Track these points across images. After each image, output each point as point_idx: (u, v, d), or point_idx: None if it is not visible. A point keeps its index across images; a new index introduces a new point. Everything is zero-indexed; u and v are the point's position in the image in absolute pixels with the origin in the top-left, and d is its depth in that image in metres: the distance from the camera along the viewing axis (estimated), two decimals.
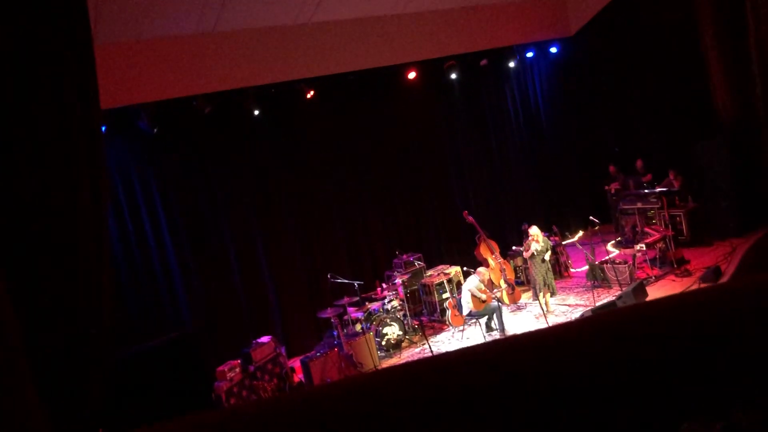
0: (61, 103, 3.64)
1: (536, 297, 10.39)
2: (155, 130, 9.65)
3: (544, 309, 10.06)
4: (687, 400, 1.33)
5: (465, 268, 10.95)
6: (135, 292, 9.85)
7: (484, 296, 9.85)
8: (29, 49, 3.46)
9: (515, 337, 1.41)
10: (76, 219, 3.72)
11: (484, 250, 11.04)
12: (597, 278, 10.83)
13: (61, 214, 3.63)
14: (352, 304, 10.20)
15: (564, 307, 10.44)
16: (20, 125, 3.44)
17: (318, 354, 9.29)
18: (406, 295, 11.02)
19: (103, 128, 7.69)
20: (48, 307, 3.54)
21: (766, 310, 1.36)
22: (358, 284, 10.28)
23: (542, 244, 10.34)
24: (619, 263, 10.65)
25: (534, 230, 10.44)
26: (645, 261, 10.96)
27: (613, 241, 13.10)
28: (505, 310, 10.38)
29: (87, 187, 3.81)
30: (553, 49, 14.57)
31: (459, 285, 11.12)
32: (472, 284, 9.94)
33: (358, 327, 10.16)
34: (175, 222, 10.30)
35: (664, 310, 1.47)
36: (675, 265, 10.75)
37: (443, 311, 10.83)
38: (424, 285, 11.32)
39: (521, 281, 11.90)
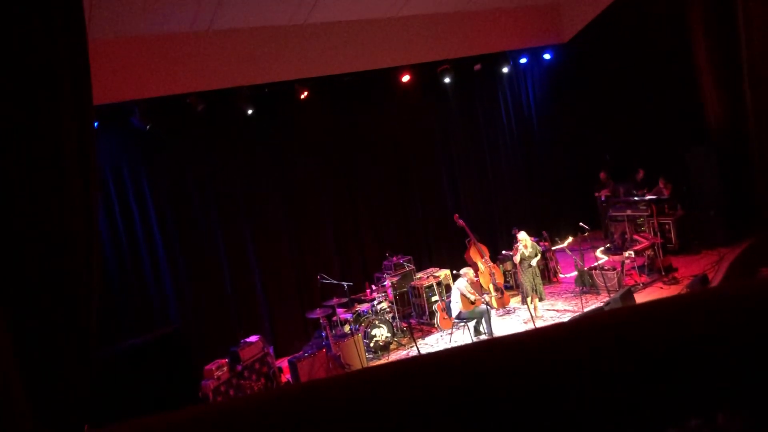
0: (53, 98, 3.63)
1: (525, 302, 10.43)
2: (148, 127, 9.62)
3: (533, 314, 10.09)
4: (671, 405, 1.34)
5: (454, 272, 10.98)
6: (123, 289, 9.79)
7: (473, 297, 9.88)
8: (23, 43, 3.45)
9: (502, 338, 1.43)
10: (65, 214, 3.71)
11: (473, 254, 11.07)
12: (585, 284, 10.89)
13: (50, 209, 3.62)
14: (341, 305, 10.20)
15: (552, 312, 10.48)
16: (11, 119, 3.43)
17: (306, 354, 9.29)
18: (395, 297, 11.03)
19: (96, 123, 7.66)
20: (35, 303, 3.53)
21: (750, 313, 1.39)
22: (347, 285, 10.28)
23: (530, 249, 10.38)
24: (608, 270, 10.72)
25: (522, 235, 10.47)
26: (633, 268, 11.03)
27: (602, 248, 13.18)
28: (493, 314, 10.41)
29: (78, 182, 3.80)
30: (547, 56, 14.66)
31: (448, 288, 11.15)
32: (461, 284, 9.98)
33: (347, 328, 10.16)
34: (165, 219, 10.26)
35: (649, 313, 1.49)
36: (663, 273, 10.83)
37: (432, 314, 10.85)
38: (414, 287, 11.34)
39: (510, 286, 11.94)
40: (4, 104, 3.36)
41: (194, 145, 10.54)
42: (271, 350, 9.58)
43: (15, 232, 3.41)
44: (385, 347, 10.28)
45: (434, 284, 11.07)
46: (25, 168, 3.47)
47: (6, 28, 3.34)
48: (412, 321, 11.23)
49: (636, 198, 12.61)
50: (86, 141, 3.96)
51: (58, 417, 3.60)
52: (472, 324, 10.04)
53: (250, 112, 10.64)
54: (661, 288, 10.49)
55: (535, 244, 10.60)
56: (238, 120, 10.77)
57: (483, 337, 9.96)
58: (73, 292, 3.76)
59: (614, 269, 10.67)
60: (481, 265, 10.94)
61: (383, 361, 10.09)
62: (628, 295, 9.35)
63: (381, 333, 10.26)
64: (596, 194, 14.32)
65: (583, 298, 10.47)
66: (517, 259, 10.43)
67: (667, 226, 12.10)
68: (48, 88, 3.57)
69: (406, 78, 12.34)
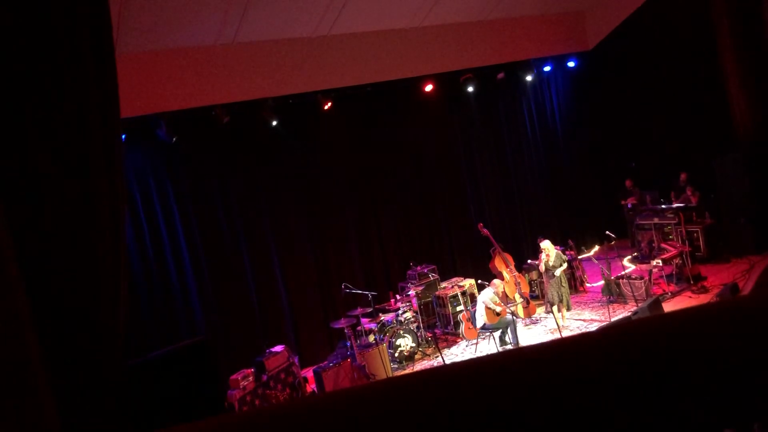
0: (81, 111, 3.70)
1: (551, 311, 10.34)
2: (174, 139, 9.73)
3: (559, 323, 9.98)
4: (703, 416, 1.32)
5: (479, 281, 10.91)
6: (150, 299, 9.90)
7: (498, 308, 9.80)
8: (51, 57, 3.53)
9: (528, 348, 1.41)
10: (93, 226, 3.76)
11: (498, 263, 11.00)
12: (612, 293, 10.75)
13: (78, 222, 3.67)
14: (365, 315, 10.18)
15: (579, 322, 10.37)
16: (40, 132, 3.49)
17: (331, 364, 9.29)
18: (419, 306, 10.99)
19: (123, 136, 7.78)
20: (64, 312, 3.58)
21: None
22: (371, 295, 10.27)
23: (554, 259, 10.27)
24: (635, 279, 10.57)
25: (545, 244, 10.36)
26: (661, 277, 10.87)
27: (629, 257, 13.01)
28: (519, 323, 10.32)
29: (105, 194, 3.86)
30: (571, 63, 14.55)
31: (473, 298, 11.08)
32: (486, 296, 9.90)
33: (372, 338, 10.14)
34: (191, 230, 10.36)
35: (678, 322, 1.46)
36: (692, 282, 10.65)
37: (457, 324, 10.79)
38: (438, 297, 11.29)
39: (536, 295, 11.83)
40: (30, 118, 3.43)
41: (219, 157, 10.64)
42: (296, 360, 9.60)
43: (44, 247, 3.47)
44: (410, 357, 10.25)
45: (459, 294, 11.00)
46: (53, 182, 3.53)
47: (32, 43, 3.42)
48: (437, 331, 11.19)
49: (663, 206, 12.44)
50: (113, 154, 4.02)
51: (84, 428, 3.64)
52: (497, 334, 9.96)
53: (274, 123, 10.73)
54: (690, 297, 10.32)
55: (559, 253, 10.48)
56: (262, 131, 10.85)
57: (508, 346, 9.88)
58: (100, 303, 3.81)
59: (642, 278, 10.53)
60: (506, 275, 10.86)
61: (408, 371, 10.05)
62: (656, 304, 9.21)
63: (406, 343, 10.23)
64: (622, 202, 14.15)
65: (610, 307, 10.34)
66: (542, 268, 10.35)
67: (695, 235, 11.91)
68: (75, 103, 3.63)
69: (429, 87, 12.34)
